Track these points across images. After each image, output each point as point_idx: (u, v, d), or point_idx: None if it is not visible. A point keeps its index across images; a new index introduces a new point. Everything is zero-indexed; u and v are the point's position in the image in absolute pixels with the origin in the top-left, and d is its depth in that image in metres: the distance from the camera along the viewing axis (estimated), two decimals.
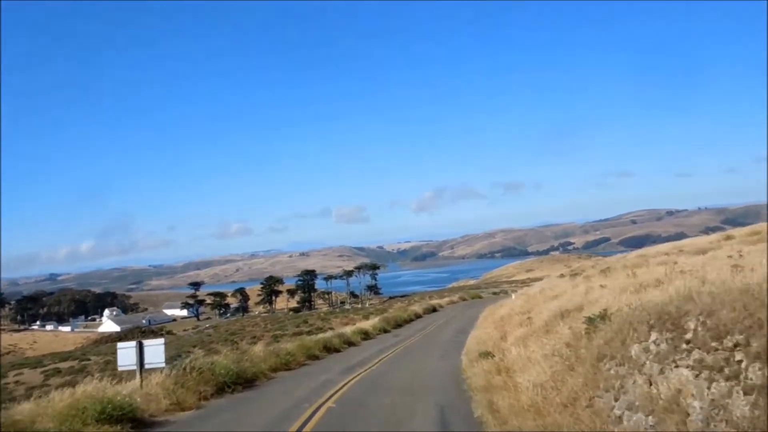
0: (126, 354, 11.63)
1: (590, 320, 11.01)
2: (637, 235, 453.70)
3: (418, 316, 42.43)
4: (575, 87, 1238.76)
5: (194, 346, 62.27)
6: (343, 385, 12.68)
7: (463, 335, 25.29)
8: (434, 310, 50.03)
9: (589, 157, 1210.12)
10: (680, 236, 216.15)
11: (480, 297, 68.58)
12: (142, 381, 11.27)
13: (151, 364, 11.50)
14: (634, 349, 7.27)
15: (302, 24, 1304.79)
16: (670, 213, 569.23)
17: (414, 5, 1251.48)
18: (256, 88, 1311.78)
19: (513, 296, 40.05)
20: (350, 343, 24.52)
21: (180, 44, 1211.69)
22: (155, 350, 11.50)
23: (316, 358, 19.37)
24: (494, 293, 72.99)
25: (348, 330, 28.37)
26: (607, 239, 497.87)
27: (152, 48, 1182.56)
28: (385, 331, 31.50)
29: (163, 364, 11.57)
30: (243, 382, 13.25)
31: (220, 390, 12.19)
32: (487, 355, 14.41)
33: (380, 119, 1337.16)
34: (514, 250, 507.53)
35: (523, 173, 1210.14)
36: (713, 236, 36.84)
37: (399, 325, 35.60)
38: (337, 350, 22.18)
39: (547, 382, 9.51)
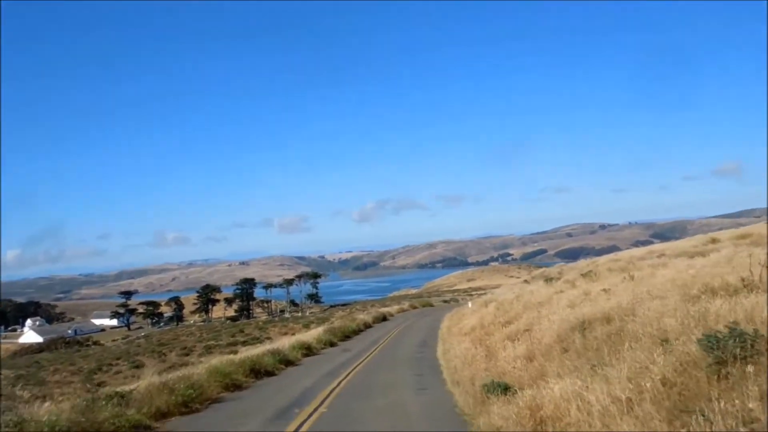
0: None
1: (714, 341, 6.16)
2: (573, 247, 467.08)
3: (367, 326, 37.24)
4: (518, 103, 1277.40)
5: (118, 359, 55.63)
6: None
7: (429, 350, 20.89)
8: (384, 318, 45.11)
9: (529, 172, 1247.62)
10: (613, 249, 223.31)
11: (431, 305, 65.52)
12: None
13: None
14: None
15: (248, 35, 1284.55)
16: (602, 227, 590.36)
17: (353, 13, 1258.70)
18: (197, 96, 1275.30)
19: (470, 304, 35.85)
20: (288, 362, 18.90)
21: (111, 48, 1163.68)
22: None
23: (237, 387, 13.44)
24: (445, 301, 70.33)
25: (286, 344, 22.76)
26: (544, 251, 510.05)
27: (82, 52, 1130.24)
28: (332, 344, 26.11)
29: None
30: None
31: None
32: (499, 388, 9.24)
33: (323, 130, 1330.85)
34: (455, 261, 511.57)
35: (465, 186, 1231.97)
36: (693, 240, 34.27)
37: (347, 336, 30.25)
38: (270, 373, 16.43)
39: None
